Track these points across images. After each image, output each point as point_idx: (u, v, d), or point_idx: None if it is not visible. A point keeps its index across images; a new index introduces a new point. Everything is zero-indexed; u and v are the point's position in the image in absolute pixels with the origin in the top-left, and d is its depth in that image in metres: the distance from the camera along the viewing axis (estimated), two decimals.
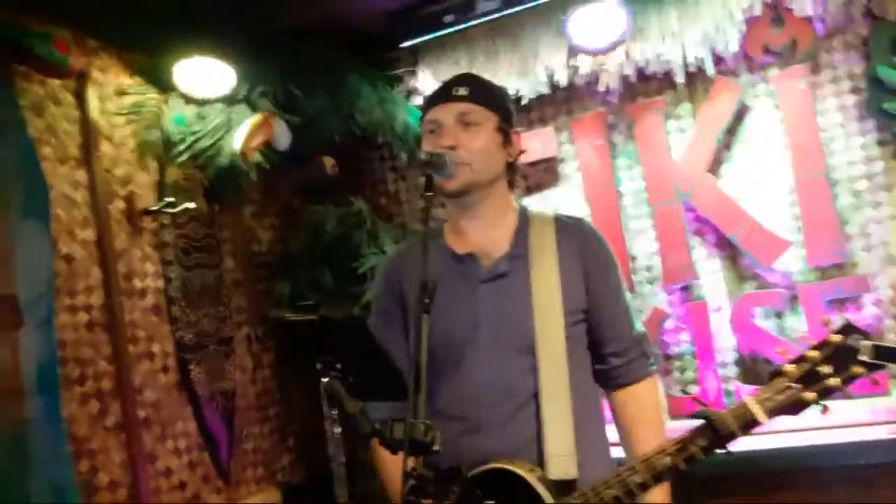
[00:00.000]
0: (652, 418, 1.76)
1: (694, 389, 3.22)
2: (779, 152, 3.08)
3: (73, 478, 2.16)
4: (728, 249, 3.19)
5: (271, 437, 3.30)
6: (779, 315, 3.12)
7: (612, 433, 1.80)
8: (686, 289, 3.25)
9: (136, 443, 2.62)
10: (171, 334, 2.85)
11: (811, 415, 2.76)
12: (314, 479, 3.34)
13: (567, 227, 1.77)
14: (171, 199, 2.77)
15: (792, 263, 3.08)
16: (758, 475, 2.97)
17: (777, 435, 2.91)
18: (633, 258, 3.35)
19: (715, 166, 3.19)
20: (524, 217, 1.78)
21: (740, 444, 2.83)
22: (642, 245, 3.34)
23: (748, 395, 1.44)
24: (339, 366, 1.47)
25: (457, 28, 3.15)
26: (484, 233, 1.75)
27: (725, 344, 3.18)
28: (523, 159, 3.27)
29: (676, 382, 3.30)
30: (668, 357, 3.30)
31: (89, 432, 2.47)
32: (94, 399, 2.50)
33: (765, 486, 2.94)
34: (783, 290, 3.08)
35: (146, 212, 2.73)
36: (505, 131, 1.74)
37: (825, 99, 3.03)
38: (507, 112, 1.77)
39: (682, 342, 3.28)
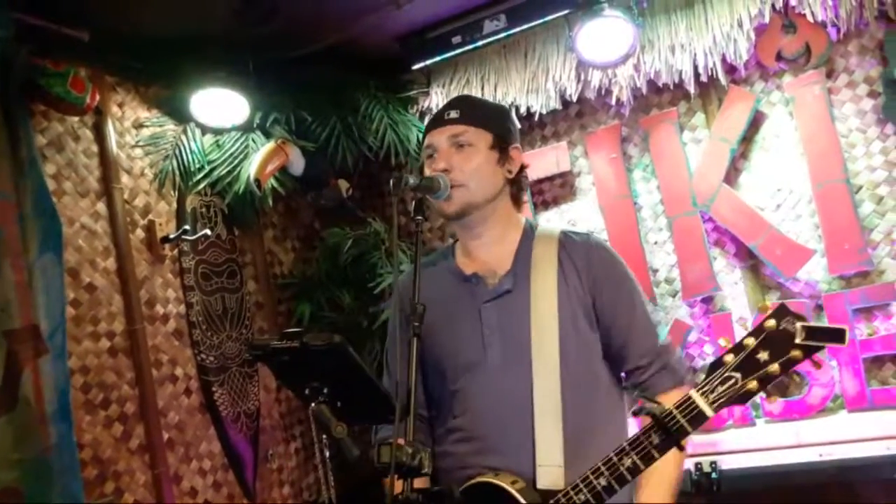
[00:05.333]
0: None
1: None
2: (797, 159, 3.03)
3: (83, 496, 2.26)
4: (749, 260, 3.13)
5: (297, 456, 3.35)
6: None
7: None
8: (708, 300, 3.21)
9: (161, 464, 2.71)
10: (193, 357, 2.93)
11: (842, 426, 2.79)
12: (341, 497, 3.37)
13: (572, 243, 1.75)
14: (187, 227, 2.86)
15: (816, 272, 3.01)
16: (791, 490, 2.91)
17: (808, 448, 2.87)
18: (654, 271, 3.32)
19: (733, 175, 3.15)
20: (529, 233, 1.78)
21: (772, 459, 2.87)
22: (662, 257, 3.31)
23: (691, 387, 1.39)
24: (326, 391, 1.50)
25: (465, 49, 3.19)
26: (488, 251, 1.77)
27: None
28: (538, 174, 3.40)
29: None
30: (693, 370, 3.26)
31: (114, 455, 2.56)
32: (117, 422, 2.60)
33: (798, 501, 2.88)
34: (807, 300, 3.01)
35: (164, 240, 2.82)
36: (501, 148, 1.75)
37: (842, 104, 2.97)
38: (502, 129, 1.77)
39: (706, 355, 3.23)
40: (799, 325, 1.30)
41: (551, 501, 1.53)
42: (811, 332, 1.29)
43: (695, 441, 3.14)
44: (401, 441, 1.38)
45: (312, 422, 1.50)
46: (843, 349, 2.88)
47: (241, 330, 3.17)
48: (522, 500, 1.55)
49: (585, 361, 1.71)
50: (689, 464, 2.99)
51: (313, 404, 1.48)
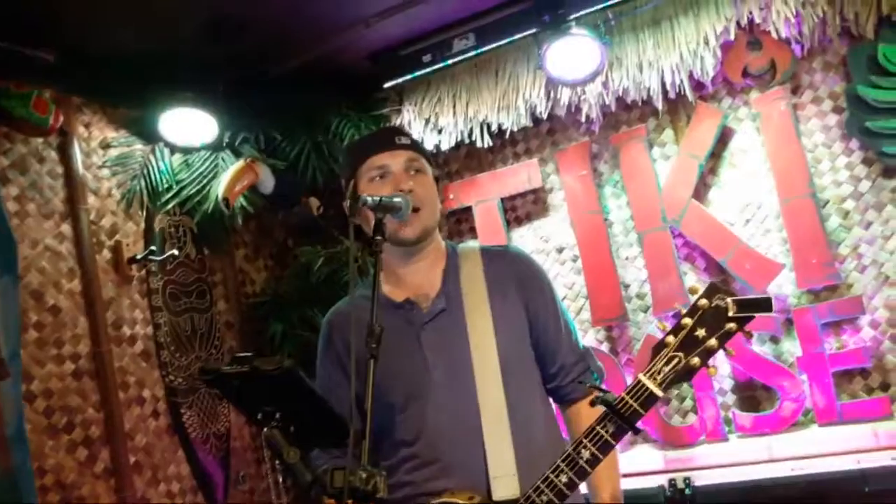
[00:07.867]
0: None
1: (692, 419, 3.17)
2: (764, 175, 3.05)
3: None
4: (719, 274, 3.14)
5: (268, 477, 3.31)
6: (774, 340, 3.06)
7: None
8: (679, 315, 3.20)
9: (127, 487, 2.68)
10: (161, 379, 2.91)
11: (813, 441, 2.79)
12: None
13: (494, 257, 1.81)
14: (153, 248, 2.84)
15: (785, 286, 3.03)
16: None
17: (780, 463, 2.88)
18: (626, 286, 3.32)
19: (702, 191, 3.17)
20: (452, 255, 1.82)
21: (744, 474, 2.87)
22: (633, 273, 3.32)
23: (641, 372, 1.46)
24: (278, 415, 1.48)
25: (435, 67, 3.20)
26: (421, 277, 1.78)
27: (722, 371, 3.13)
28: (510, 191, 3.41)
29: (675, 411, 3.26)
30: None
31: (77, 479, 2.53)
32: (81, 446, 2.56)
33: None
34: (777, 315, 3.02)
35: (131, 260, 2.81)
36: (438, 181, 1.83)
37: (808, 120, 3.00)
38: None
39: None
40: (729, 300, 1.38)
41: (522, 500, 1.52)
42: (741, 305, 1.38)
43: (668, 457, 3.15)
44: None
45: (265, 447, 1.47)
46: (813, 364, 2.90)
47: (210, 350, 3.15)
48: None
49: (523, 369, 1.75)
50: (663, 480, 2.99)
51: (266, 429, 1.47)
